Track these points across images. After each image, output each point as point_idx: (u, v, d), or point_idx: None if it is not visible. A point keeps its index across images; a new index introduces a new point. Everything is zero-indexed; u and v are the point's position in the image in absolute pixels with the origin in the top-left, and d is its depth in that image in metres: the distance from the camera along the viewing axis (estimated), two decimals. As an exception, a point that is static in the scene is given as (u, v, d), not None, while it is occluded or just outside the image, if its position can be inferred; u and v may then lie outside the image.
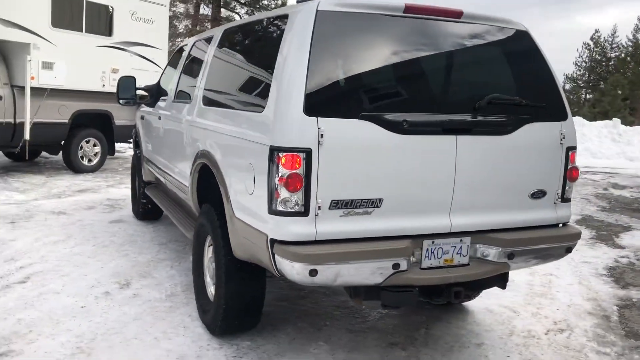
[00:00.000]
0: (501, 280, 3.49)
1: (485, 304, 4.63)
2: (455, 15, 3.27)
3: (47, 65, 9.50)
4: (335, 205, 2.88)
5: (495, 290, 4.93)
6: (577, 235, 3.52)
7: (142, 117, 6.53)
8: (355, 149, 2.90)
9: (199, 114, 4.22)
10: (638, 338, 4.14)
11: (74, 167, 10.60)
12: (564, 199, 3.52)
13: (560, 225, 3.57)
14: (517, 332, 4.15)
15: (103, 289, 4.63)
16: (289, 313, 4.27)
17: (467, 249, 3.22)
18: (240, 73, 3.90)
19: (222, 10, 28.36)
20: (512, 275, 5.36)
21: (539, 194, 3.40)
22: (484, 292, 4.85)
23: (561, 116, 3.46)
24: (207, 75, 4.28)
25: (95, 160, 10.92)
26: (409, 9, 3.14)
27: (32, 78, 9.30)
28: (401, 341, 3.88)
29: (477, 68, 3.43)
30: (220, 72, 4.18)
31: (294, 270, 2.82)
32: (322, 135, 2.80)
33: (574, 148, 3.51)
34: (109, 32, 10.60)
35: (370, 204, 2.95)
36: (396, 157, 2.98)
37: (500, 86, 3.39)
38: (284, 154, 2.78)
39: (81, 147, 10.65)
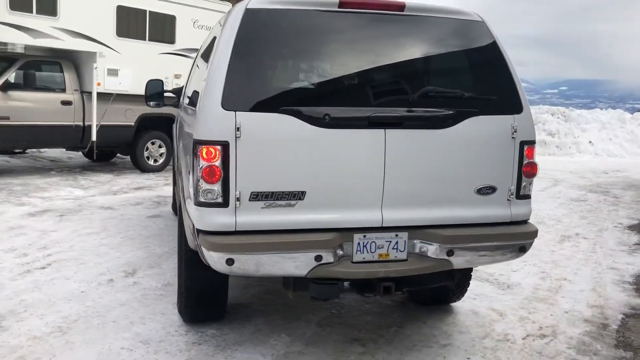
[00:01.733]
0: (448, 278, 3.40)
1: (473, 306, 4.50)
2: (397, 8, 3.24)
3: (112, 72, 10.24)
4: (256, 197, 2.96)
5: (491, 292, 4.82)
6: (532, 234, 3.36)
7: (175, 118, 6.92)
8: (275, 142, 2.97)
9: (183, 112, 4.46)
10: (628, 349, 3.85)
11: (140, 166, 11.32)
12: (520, 195, 3.36)
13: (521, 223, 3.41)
14: (492, 335, 4.00)
15: (109, 276, 4.97)
16: (269, 306, 4.38)
17: (405, 245, 3.18)
18: (199, 72, 4.08)
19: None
20: (520, 277, 5.18)
21: (487, 190, 3.28)
22: (479, 293, 4.73)
23: (514, 109, 3.32)
24: (191, 75, 4.50)
25: (160, 161, 11.59)
26: (344, 3, 3.16)
27: (99, 84, 10.07)
28: (365, 338, 3.87)
29: (420, 62, 3.37)
30: (194, 72, 4.40)
31: (213, 259, 2.93)
32: (239, 129, 2.90)
33: (530, 142, 3.35)
34: (171, 40, 11.22)
35: (293, 197, 3.00)
36: (318, 151, 3.01)
37: (445, 79, 3.32)
38: (203, 146, 2.91)
39: (147, 148, 11.35)
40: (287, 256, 2.97)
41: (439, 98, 3.19)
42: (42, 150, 13.43)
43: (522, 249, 3.33)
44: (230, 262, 2.91)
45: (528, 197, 3.40)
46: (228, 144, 2.90)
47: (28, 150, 12.62)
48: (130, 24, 10.57)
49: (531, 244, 3.38)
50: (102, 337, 3.77)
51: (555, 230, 7.37)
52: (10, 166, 11.27)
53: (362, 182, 3.09)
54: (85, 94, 10.23)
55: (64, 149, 11.43)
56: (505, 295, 4.80)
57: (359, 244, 3.12)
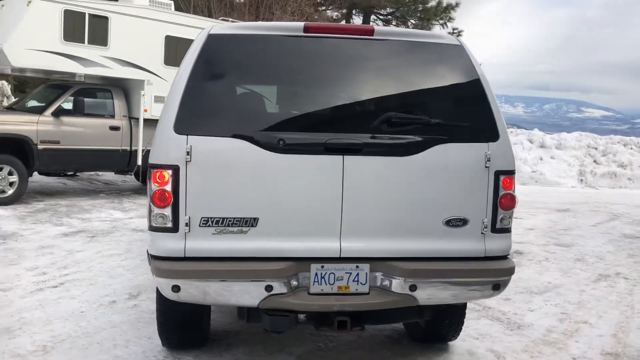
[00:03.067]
0: (416, 314, 3.20)
1: (472, 346, 4.22)
2: (366, 32, 3.15)
3: (159, 99, 10.60)
4: (206, 222, 2.91)
5: (498, 332, 4.51)
6: (508, 271, 3.11)
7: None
8: (227, 167, 2.92)
9: None
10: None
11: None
12: (497, 229, 3.13)
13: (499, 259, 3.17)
14: (482, 379, 3.72)
15: (113, 298, 5.05)
16: (256, 335, 4.28)
17: (366, 277, 3.03)
18: None
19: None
20: (535, 317, 4.82)
21: (457, 222, 3.08)
22: (485, 332, 4.45)
23: (489, 136, 3.12)
24: None
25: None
26: (308, 28, 3.10)
27: (145, 110, 10.45)
28: (343, 374, 3.70)
29: (387, 87, 3.24)
30: None
31: (160, 285, 2.90)
32: (189, 153, 2.87)
33: (507, 172, 3.13)
34: (218, 68, 11.51)
35: (245, 223, 2.93)
36: (272, 177, 2.94)
37: (415, 105, 3.17)
38: (154, 170, 2.90)
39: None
40: (235, 285, 2.89)
41: (404, 125, 3.04)
42: (100, 173, 14.04)
43: (496, 287, 3.09)
44: (176, 289, 2.87)
45: (506, 230, 3.17)
46: (178, 167, 2.88)
47: (84, 174, 13.21)
48: (178, 53, 10.93)
49: (507, 281, 3.14)
50: (81, 358, 3.80)
51: (594, 268, 6.86)
52: (64, 188, 11.83)
53: (319, 211, 2.98)
54: (132, 119, 10.64)
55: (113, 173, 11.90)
56: (512, 336, 4.47)
57: (316, 274, 3.00)
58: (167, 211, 2.90)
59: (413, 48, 3.23)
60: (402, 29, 3.39)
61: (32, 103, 10.49)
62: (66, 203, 9.83)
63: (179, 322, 3.70)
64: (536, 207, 11.86)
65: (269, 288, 2.89)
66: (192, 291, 2.89)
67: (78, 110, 9.90)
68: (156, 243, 2.94)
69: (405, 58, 3.24)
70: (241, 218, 2.93)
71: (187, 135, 2.91)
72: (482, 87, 3.18)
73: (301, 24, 3.10)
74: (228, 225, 2.93)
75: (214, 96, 3.02)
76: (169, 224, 2.90)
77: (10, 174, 9.13)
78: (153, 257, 2.97)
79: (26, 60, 9.19)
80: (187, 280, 2.86)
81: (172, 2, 11.42)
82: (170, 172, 2.88)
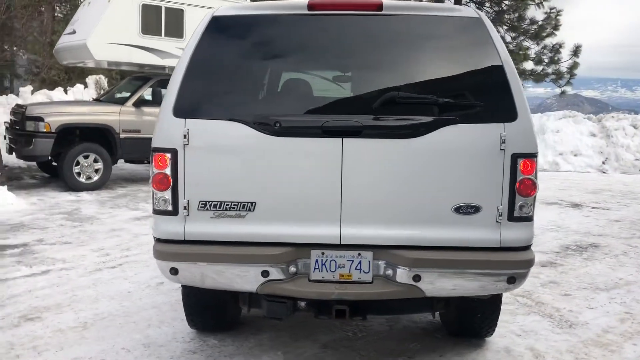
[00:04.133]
0: (424, 307, 3.01)
1: (511, 343, 3.95)
2: (374, 7, 2.98)
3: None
4: (204, 206, 2.90)
5: (545, 329, 4.21)
6: (524, 263, 2.84)
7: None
8: (224, 151, 2.89)
9: None
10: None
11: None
12: (514, 217, 2.87)
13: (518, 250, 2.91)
14: (512, 379, 3.46)
15: (161, 280, 5.21)
16: (288, 321, 4.25)
17: (369, 265, 2.89)
18: None
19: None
20: (593, 315, 4.43)
21: (468, 209, 2.85)
22: (530, 329, 4.16)
23: (506, 116, 2.85)
24: None
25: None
26: (313, 5, 2.99)
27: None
28: (363, 364, 3.59)
29: (393, 65, 3.04)
30: None
31: (160, 267, 2.93)
32: (186, 136, 2.87)
33: (526, 155, 2.85)
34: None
35: (242, 207, 2.89)
36: (269, 160, 2.87)
37: (423, 84, 2.96)
38: (155, 153, 2.93)
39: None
40: (232, 270, 2.86)
41: (409, 104, 2.85)
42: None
43: (512, 280, 2.84)
44: (174, 271, 2.89)
45: (527, 219, 2.90)
46: (177, 151, 2.88)
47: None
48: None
49: (524, 274, 2.87)
50: (114, 335, 3.96)
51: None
52: (149, 175, 12.44)
53: (317, 195, 2.87)
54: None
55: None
56: (560, 335, 4.13)
57: (317, 261, 2.90)
58: (167, 194, 2.92)
59: (426, 22, 3.02)
60: (415, 3, 3.14)
61: (118, 95, 11.10)
62: (147, 189, 10.32)
63: (202, 305, 3.74)
64: (632, 197, 10.92)
65: (265, 273, 2.84)
66: (190, 274, 2.90)
67: (157, 101, 10.31)
68: (158, 226, 2.98)
69: (415, 34, 3.03)
70: (238, 202, 2.89)
71: (186, 118, 2.90)
72: (501, 63, 2.91)
73: (306, 1, 2.99)
74: (226, 210, 2.90)
75: (214, 79, 2.99)
76: (169, 207, 2.93)
77: (95, 161, 9.72)
78: (156, 240, 3.01)
79: (107, 54, 9.71)
80: (185, 263, 2.88)
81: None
82: (169, 155, 2.89)
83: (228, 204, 2.90)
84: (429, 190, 2.86)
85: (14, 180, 10.42)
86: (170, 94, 2.95)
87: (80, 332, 4.01)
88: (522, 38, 21.12)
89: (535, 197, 2.91)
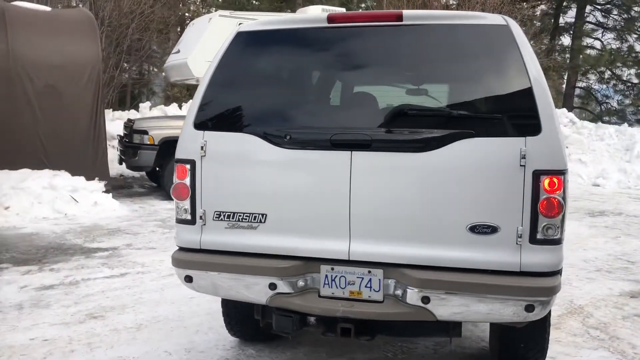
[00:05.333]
0: (437, 331, 2.83)
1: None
2: (394, 18, 2.89)
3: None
4: (219, 216, 2.96)
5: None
6: (546, 291, 2.58)
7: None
8: (238, 162, 2.93)
9: None
10: None
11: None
12: (537, 240, 2.63)
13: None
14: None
15: (225, 288, 5.39)
16: (327, 338, 4.20)
17: (380, 284, 2.79)
18: None
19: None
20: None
21: (484, 229, 2.65)
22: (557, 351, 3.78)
23: (528, 130, 2.62)
24: None
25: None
26: (333, 19, 2.96)
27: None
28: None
29: (410, 77, 2.91)
30: None
31: (177, 274, 3.02)
32: (204, 148, 2.95)
33: (551, 172, 2.60)
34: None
35: (254, 219, 2.91)
36: (279, 172, 2.87)
37: (440, 96, 2.81)
38: (177, 164, 3.04)
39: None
40: (241, 280, 2.88)
41: (421, 116, 2.73)
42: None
43: (530, 308, 2.59)
44: (188, 279, 2.97)
45: (553, 242, 2.63)
46: (195, 162, 2.98)
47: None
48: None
49: (545, 302, 2.60)
50: (162, 339, 4.15)
51: None
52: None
53: (326, 209, 2.82)
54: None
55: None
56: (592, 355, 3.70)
57: (326, 276, 2.85)
58: (187, 204, 3.01)
59: (449, 31, 2.87)
60: (437, 12, 2.97)
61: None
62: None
63: (239, 313, 3.80)
64: None
65: (272, 286, 2.83)
66: (204, 283, 2.96)
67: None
68: (179, 234, 3.08)
69: (437, 43, 2.89)
70: (250, 213, 2.92)
71: (204, 131, 2.99)
72: (526, 72, 2.69)
73: (325, 14, 2.97)
74: (239, 220, 2.94)
75: (234, 92, 3.06)
76: (188, 217, 3.02)
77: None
78: (178, 248, 3.12)
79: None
80: (198, 271, 2.95)
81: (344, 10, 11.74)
82: (188, 166, 2.99)
83: (240, 215, 2.94)
84: (442, 208, 2.71)
85: (124, 188, 11.30)
86: (193, 106, 3.07)
87: (133, 332, 4.24)
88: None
89: (563, 218, 2.65)
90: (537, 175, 2.61)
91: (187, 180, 3.01)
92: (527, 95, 2.67)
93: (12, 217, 8.12)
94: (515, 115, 2.69)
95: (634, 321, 4.67)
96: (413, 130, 2.74)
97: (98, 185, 9.20)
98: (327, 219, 2.84)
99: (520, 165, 2.62)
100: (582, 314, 4.81)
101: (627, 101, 26.03)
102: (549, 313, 3.35)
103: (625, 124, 18.86)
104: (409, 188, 2.74)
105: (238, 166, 2.95)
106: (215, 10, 15.28)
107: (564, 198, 2.64)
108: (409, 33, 2.91)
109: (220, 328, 4.33)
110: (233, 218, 2.95)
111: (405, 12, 2.90)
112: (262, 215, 2.91)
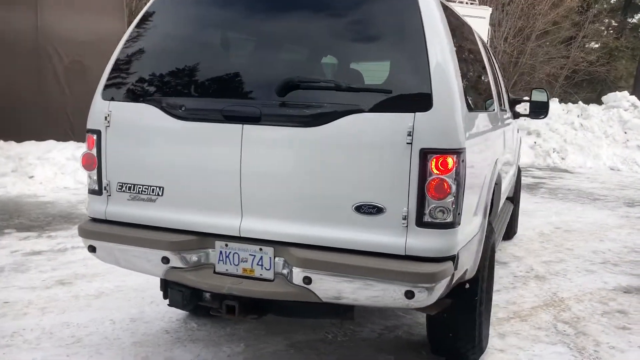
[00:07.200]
0: (328, 313, 2.73)
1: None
2: None
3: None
4: (121, 187, 2.95)
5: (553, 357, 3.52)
6: (427, 277, 2.40)
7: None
8: (139, 133, 2.91)
9: None
10: None
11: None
12: (424, 223, 2.45)
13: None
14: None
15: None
16: (276, 318, 4.14)
17: (270, 262, 2.70)
18: None
19: None
20: (635, 358, 3.65)
21: (370, 209, 2.51)
22: (534, 354, 3.56)
23: (418, 105, 2.43)
24: None
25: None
26: None
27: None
28: (314, 370, 3.37)
29: (303, 47, 2.76)
30: None
31: (84, 245, 3.04)
32: (107, 118, 2.93)
33: (442, 151, 2.40)
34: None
35: (152, 191, 2.88)
36: (176, 145, 2.82)
37: (332, 66, 2.66)
38: (87, 134, 3.05)
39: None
40: (137, 252, 2.87)
41: (311, 89, 2.58)
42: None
43: (410, 295, 2.42)
44: (92, 249, 2.99)
45: (442, 225, 2.45)
46: (100, 132, 2.97)
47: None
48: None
49: (427, 289, 2.42)
50: (115, 307, 4.24)
51: None
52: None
53: (220, 184, 2.75)
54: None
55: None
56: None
57: (221, 253, 2.79)
58: (94, 174, 3.02)
59: (349, 1, 2.70)
60: None
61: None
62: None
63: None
64: None
65: (165, 260, 2.80)
66: (104, 253, 2.97)
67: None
68: (89, 205, 3.10)
69: (334, 13, 2.73)
70: (149, 186, 2.89)
71: (110, 101, 2.97)
72: (424, 42, 2.48)
73: None
74: (139, 192, 2.92)
75: (139, 63, 3.01)
76: (96, 187, 3.03)
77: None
78: (90, 219, 3.14)
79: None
80: (99, 241, 2.96)
81: None
82: (94, 136, 2.99)
83: (140, 187, 2.91)
84: (329, 186, 2.58)
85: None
86: (103, 76, 3.05)
87: (90, 300, 4.35)
88: None
89: (457, 201, 2.45)
90: (424, 154, 2.42)
91: (94, 151, 3.01)
92: (421, 69, 2.47)
93: (35, 186, 8.50)
94: (407, 90, 2.51)
95: (612, 317, 4.34)
96: (303, 104, 2.61)
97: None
98: (220, 194, 2.77)
99: (407, 143, 2.44)
100: (559, 307, 4.52)
101: None
102: (479, 301, 3.17)
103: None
104: (297, 164, 2.62)
105: (139, 137, 2.92)
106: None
107: (457, 180, 2.44)
108: (308, 1, 2.77)
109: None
110: (134, 190, 2.93)
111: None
112: (160, 188, 2.88)
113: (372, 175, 2.52)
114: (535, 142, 15.56)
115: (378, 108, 2.51)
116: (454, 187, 2.43)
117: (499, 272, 5.39)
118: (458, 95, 2.50)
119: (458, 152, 2.44)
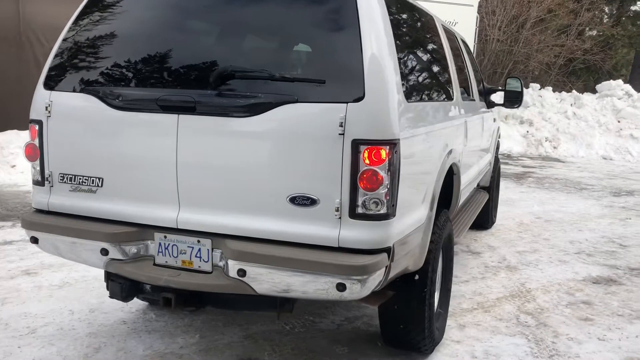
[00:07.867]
0: (269, 306, 2.71)
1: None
2: None
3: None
4: (62, 178, 2.92)
5: (517, 358, 3.50)
6: (358, 269, 2.38)
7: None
8: (79, 124, 2.88)
9: None
10: None
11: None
12: (357, 214, 2.42)
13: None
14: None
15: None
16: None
17: (208, 254, 2.67)
18: None
19: None
20: (593, 348, 3.64)
21: (303, 201, 2.48)
22: (495, 353, 3.58)
23: (350, 95, 2.39)
24: None
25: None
26: None
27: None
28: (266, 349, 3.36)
29: (237, 35, 2.73)
30: None
31: (27, 236, 3.02)
32: (48, 108, 2.90)
33: (375, 143, 2.37)
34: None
35: (92, 182, 2.86)
36: (113, 135, 2.79)
37: (266, 56, 2.63)
38: (30, 124, 3.01)
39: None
40: (77, 244, 2.85)
41: (245, 79, 2.55)
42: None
43: (341, 288, 2.40)
44: (34, 240, 2.97)
45: (375, 217, 2.42)
46: (42, 122, 2.93)
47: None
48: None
49: (360, 281, 2.40)
50: (76, 298, 4.23)
51: None
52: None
53: (157, 175, 2.72)
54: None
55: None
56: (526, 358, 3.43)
57: (160, 244, 2.77)
58: (37, 165, 2.99)
59: None
60: None
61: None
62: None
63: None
64: None
65: (104, 251, 2.78)
66: (46, 244, 2.95)
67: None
68: (33, 196, 3.08)
69: (267, 5, 2.69)
70: (89, 177, 2.86)
71: (51, 91, 2.94)
72: (359, 32, 2.44)
73: None
74: (80, 184, 2.89)
75: (79, 52, 2.97)
76: (39, 178, 3.00)
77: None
78: (34, 210, 3.11)
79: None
80: (41, 233, 2.93)
81: None
82: (37, 127, 2.96)
83: (81, 178, 2.89)
84: (264, 177, 2.55)
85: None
86: (45, 66, 3.02)
87: (53, 290, 4.34)
88: None
89: (391, 193, 2.42)
90: (356, 145, 2.39)
91: (37, 141, 2.98)
92: (354, 60, 2.44)
93: (16, 175, 8.49)
94: (340, 80, 2.47)
95: (576, 309, 4.32)
96: (237, 94, 2.57)
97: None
98: (157, 185, 2.74)
99: (339, 134, 2.40)
100: (524, 298, 4.49)
101: None
102: (428, 293, 3.14)
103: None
104: (231, 155, 2.59)
105: (79, 127, 2.89)
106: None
107: (391, 171, 2.41)
108: None
109: (139, 291, 4.36)
110: (75, 181, 2.91)
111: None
112: (100, 179, 2.85)
113: (306, 166, 2.49)
114: (527, 131, 15.49)
115: (312, 98, 2.47)
116: (387, 179, 2.40)
117: (470, 262, 5.38)
118: (394, 86, 2.47)
119: (392, 143, 2.41)
